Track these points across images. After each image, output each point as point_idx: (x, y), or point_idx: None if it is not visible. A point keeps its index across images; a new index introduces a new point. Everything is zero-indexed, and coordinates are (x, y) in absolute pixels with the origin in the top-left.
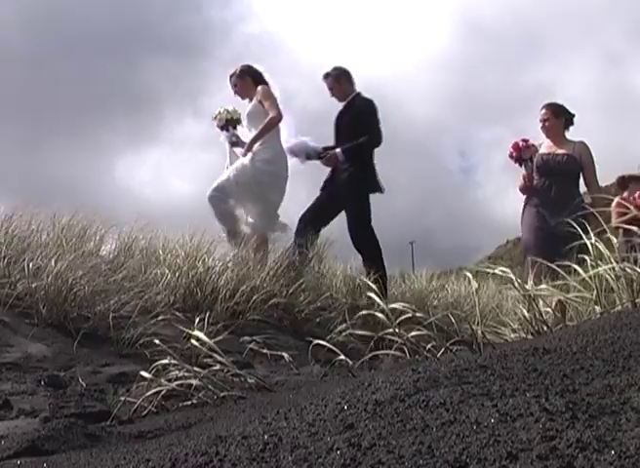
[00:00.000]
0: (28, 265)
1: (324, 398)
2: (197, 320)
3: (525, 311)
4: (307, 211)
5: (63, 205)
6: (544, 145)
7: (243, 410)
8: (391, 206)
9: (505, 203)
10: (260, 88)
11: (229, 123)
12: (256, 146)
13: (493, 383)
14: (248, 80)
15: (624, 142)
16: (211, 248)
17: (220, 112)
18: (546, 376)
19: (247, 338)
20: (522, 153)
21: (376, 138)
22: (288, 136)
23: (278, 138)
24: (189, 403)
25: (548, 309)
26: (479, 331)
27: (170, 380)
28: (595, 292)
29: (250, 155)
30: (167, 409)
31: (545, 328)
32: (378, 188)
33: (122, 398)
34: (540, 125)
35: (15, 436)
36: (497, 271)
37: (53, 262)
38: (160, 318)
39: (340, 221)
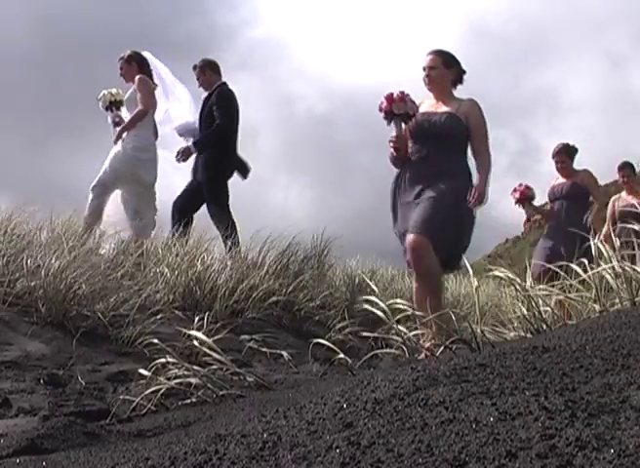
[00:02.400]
0: (27, 264)
1: (323, 396)
2: (196, 318)
3: (524, 310)
4: (179, 197)
5: (63, 204)
6: (424, 104)
7: (242, 409)
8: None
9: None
10: (137, 77)
11: (113, 104)
12: (125, 135)
13: (492, 382)
14: (133, 65)
15: (627, 144)
16: (210, 246)
17: (104, 94)
18: (546, 375)
19: (246, 337)
20: (393, 106)
21: (225, 126)
22: (182, 114)
23: (149, 128)
24: (188, 401)
25: (548, 308)
26: (478, 330)
27: (169, 379)
28: (594, 290)
29: (120, 143)
30: (166, 407)
31: (545, 326)
32: (240, 172)
33: (121, 396)
34: (424, 74)
35: (14, 434)
36: (497, 273)
37: (52, 261)
38: (159, 316)
39: (340, 220)
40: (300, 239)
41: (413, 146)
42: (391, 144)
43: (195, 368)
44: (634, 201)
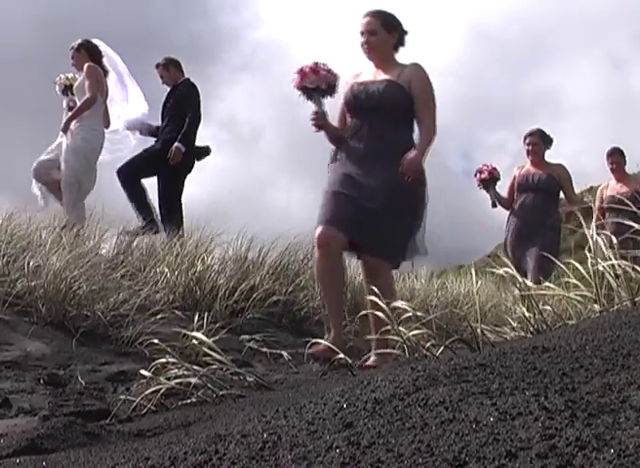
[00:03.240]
0: (28, 264)
1: (323, 396)
2: (196, 318)
3: (524, 310)
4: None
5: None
6: (364, 73)
7: (242, 409)
8: None
9: None
10: (85, 65)
11: (68, 88)
12: (73, 124)
13: (492, 382)
14: (83, 53)
15: (628, 146)
16: (210, 246)
17: (60, 78)
18: (546, 375)
19: (246, 337)
20: (306, 81)
21: (196, 119)
22: (132, 109)
23: (98, 115)
24: (189, 401)
25: (548, 307)
26: (478, 330)
27: (169, 379)
28: (595, 290)
29: (69, 135)
30: (166, 407)
31: (545, 326)
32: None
33: (121, 396)
34: (362, 40)
35: (14, 434)
36: (500, 271)
37: (52, 261)
38: (159, 316)
39: None
40: (301, 239)
41: (350, 121)
42: (312, 123)
43: (195, 368)
44: (624, 189)
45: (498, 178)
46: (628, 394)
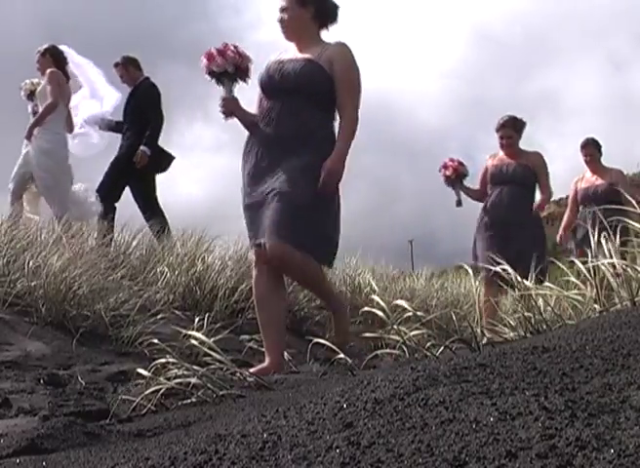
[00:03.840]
0: (28, 264)
1: (323, 396)
2: (196, 319)
3: (524, 310)
4: (101, 183)
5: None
6: (287, 52)
7: (242, 409)
8: (398, 208)
9: None
10: (48, 71)
11: (33, 94)
12: (36, 131)
13: (492, 382)
14: (48, 59)
15: (630, 146)
16: (210, 246)
17: (25, 83)
18: (546, 375)
19: (246, 337)
20: (212, 65)
21: (159, 120)
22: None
23: (60, 120)
24: (189, 401)
25: (548, 307)
26: (478, 330)
27: (169, 379)
28: (595, 290)
29: (33, 141)
30: (166, 407)
31: (545, 326)
32: (163, 168)
33: (121, 396)
34: (277, 19)
35: (14, 434)
36: (497, 269)
37: (52, 261)
38: (159, 316)
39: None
40: None
41: (265, 104)
42: (220, 109)
43: (195, 368)
44: (599, 182)
45: (465, 175)
46: (628, 394)
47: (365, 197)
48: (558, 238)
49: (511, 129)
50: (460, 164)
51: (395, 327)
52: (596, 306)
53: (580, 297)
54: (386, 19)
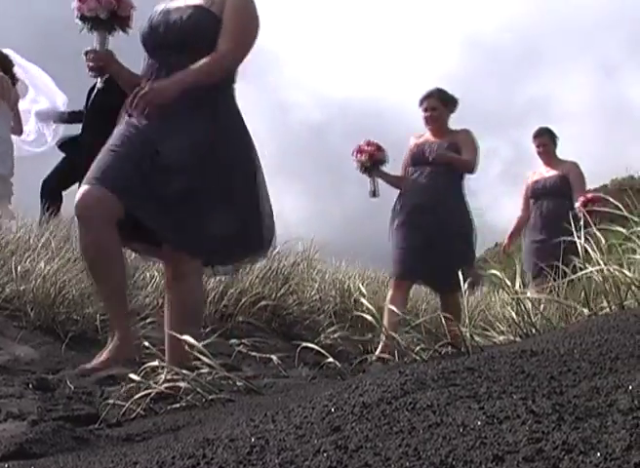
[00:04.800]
0: (17, 268)
1: (312, 400)
2: None
3: (513, 313)
4: (49, 176)
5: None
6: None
7: (231, 413)
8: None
9: (499, 211)
10: None
11: None
12: None
13: (480, 385)
14: None
15: (619, 152)
16: None
17: None
18: (534, 378)
19: (235, 341)
20: (84, 8)
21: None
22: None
23: (3, 122)
24: (178, 405)
25: (537, 311)
26: (467, 334)
27: (158, 383)
28: (583, 294)
29: None
30: (155, 411)
31: (534, 330)
32: None
33: (110, 401)
34: None
35: (2, 439)
36: (491, 272)
37: (41, 265)
38: (149, 320)
39: (333, 226)
40: (291, 244)
41: (146, 63)
42: (89, 65)
43: (184, 372)
44: (550, 174)
45: (382, 161)
46: (615, 397)
47: (356, 202)
48: (502, 246)
49: (437, 100)
50: (379, 148)
51: (384, 331)
52: (585, 310)
53: (568, 302)
54: (378, 27)
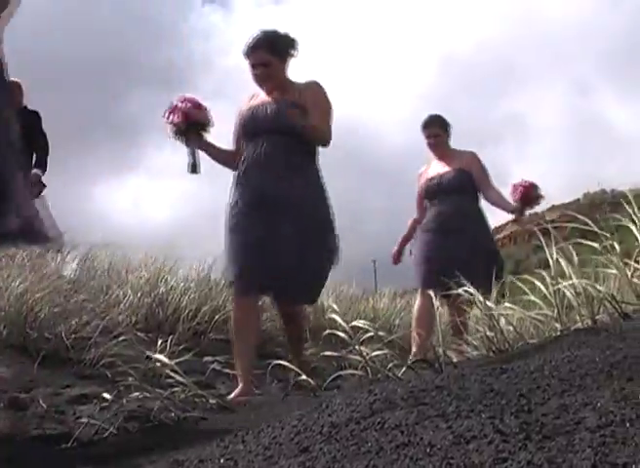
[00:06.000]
0: None
1: (281, 420)
2: (159, 340)
3: (487, 329)
4: None
5: None
6: None
7: (203, 432)
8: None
9: None
10: None
11: None
12: None
13: (449, 404)
14: None
15: (593, 166)
16: (174, 268)
17: None
18: (503, 396)
19: (209, 358)
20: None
21: (48, 145)
22: None
23: None
24: (150, 424)
25: (510, 327)
26: (440, 350)
27: (131, 402)
28: (556, 309)
29: None
30: (128, 430)
31: (507, 345)
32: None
33: (83, 420)
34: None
35: None
36: (459, 291)
37: (14, 283)
38: (122, 338)
39: None
40: None
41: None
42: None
43: (157, 390)
44: (446, 169)
45: (204, 124)
46: (584, 415)
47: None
48: (392, 255)
49: (266, 51)
50: (197, 106)
51: (357, 347)
52: (557, 325)
53: (541, 317)
54: (354, 45)
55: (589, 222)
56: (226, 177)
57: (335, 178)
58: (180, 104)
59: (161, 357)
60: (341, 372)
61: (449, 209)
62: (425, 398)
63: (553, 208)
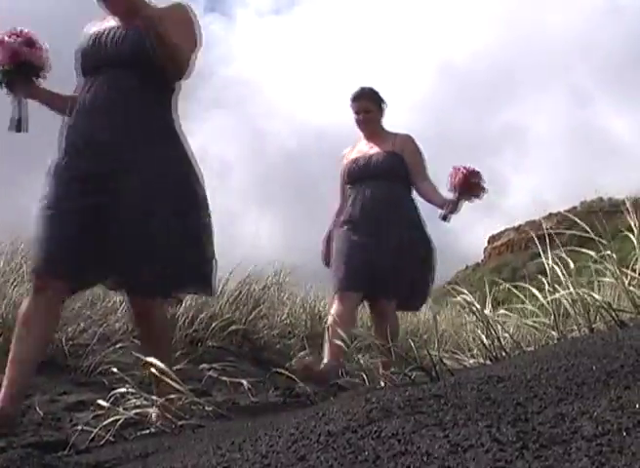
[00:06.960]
0: None
1: (279, 428)
2: None
3: (484, 337)
4: None
5: (23, 231)
6: None
7: (200, 440)
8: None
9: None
10: None
11: None
12: None
13: (446, 413)
14: None
15: (589, 175)
16: None
17: None
18: (499, 405)
19: (206, 366)
20: None
21: None
22: None
23: None
24: (147, 432)
25: (507, 335)
26: (437, 358)
27: (127, 409)
28: (553, 317)
29: None
30: (124, 437)
31: (504, 353)
32: None
33: (79, 427)
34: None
35: None
36: (458, 298)
37: (10, 290)
38: (119, 346)
39: (308, 250)
40: (262, 268)
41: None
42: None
43: (154, 397)
44: (373, 150)
45: (37, 68)
46: (580, 424)
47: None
48: (323, 257)
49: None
50: (31, 44)
51: (354, 355)
52: (554, 333)
53: (537, 325)
54: (352, 54)
55: (587, 229)
56: (224, 186)
57: (331, 186)
58: (7, 39)
59: (158, 363)
60: (338, 380)
61: (375, 195)
62: (422, 406)
63: (550, 215)
